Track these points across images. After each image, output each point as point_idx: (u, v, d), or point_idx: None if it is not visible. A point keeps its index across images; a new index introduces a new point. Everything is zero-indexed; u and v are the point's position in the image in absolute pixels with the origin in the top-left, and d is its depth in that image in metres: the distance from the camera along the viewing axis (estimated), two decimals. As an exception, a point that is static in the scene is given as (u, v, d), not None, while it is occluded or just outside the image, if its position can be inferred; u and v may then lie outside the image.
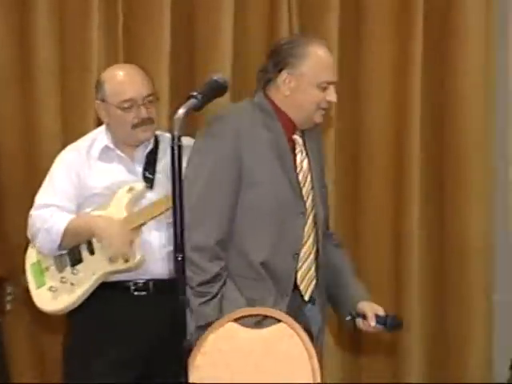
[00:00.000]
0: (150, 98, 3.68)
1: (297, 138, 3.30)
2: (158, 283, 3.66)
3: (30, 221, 3.72)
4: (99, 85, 3.73)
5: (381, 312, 3.36)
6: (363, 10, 4.71)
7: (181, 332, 2.54)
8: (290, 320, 3.41)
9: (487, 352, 4.60)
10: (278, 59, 3.26)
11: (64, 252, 3.69)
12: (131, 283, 3.67)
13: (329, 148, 4.55)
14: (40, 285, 3.75)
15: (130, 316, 3.68)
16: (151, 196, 3.70)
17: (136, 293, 3.68)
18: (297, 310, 3.27)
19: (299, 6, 4.71)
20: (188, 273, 3.07)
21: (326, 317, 3.46)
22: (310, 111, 3.26)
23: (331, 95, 3.25)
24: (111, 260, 3.60)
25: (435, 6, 4.65)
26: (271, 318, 3.20)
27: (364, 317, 3.37)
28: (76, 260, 3.69)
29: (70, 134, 4.40)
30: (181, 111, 2.39)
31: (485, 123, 4.61)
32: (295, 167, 3.27)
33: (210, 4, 4.75)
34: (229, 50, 4.68)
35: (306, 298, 3.29)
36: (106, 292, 3.66)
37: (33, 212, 3.72)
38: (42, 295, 3.74)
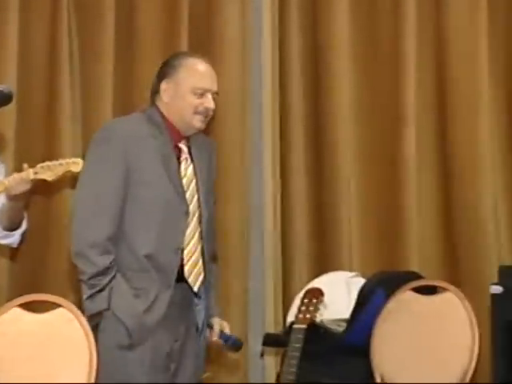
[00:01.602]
0: None
1: (182, 146, 3.32)
2: None
3: None
4: None
5: (227, 330, 3.45)
6: (136, 8, 4.66)
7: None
8: (70, 305, 3.44)
9: (243, 332, 4.60)
10: (160, 73, 3.32)
11: None
12: None
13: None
14: None
15: None
16: None
17: None
18: (185, 302, 3.30)
19: (77, 5, 4.61)
20: (80, 266, 3.19)
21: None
22: (188, 116, 3.26)
23: (209, 102, 3.26)
24: None
25: (198, 8, 4.65)
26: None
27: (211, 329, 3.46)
28: None
29: None
30: None
31: (241, 125, 4.64)
32: (179, 173, 3.30)
33: None
34: (14, 51, 4.53)
35: (195, 289, 3.29)
36: None
37: None
38: None
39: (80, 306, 3.35)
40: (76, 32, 4.62)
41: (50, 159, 4.59)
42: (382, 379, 3.90)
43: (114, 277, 3.19)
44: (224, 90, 4.47)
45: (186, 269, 3.28)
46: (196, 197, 3.32)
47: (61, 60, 4.61)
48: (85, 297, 3.22)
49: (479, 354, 3.80)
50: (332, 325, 4.09)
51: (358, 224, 4.53)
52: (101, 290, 3.19)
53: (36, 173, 3.45)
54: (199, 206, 3.32)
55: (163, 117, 3.29)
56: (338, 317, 4.11)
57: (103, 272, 3.18)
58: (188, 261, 3.28)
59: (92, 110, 4.64)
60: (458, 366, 3.79)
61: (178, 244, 3.26)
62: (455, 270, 4.38)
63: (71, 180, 3.92)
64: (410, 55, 4.46)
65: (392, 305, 4.00)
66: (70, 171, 3.51)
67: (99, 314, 3.21)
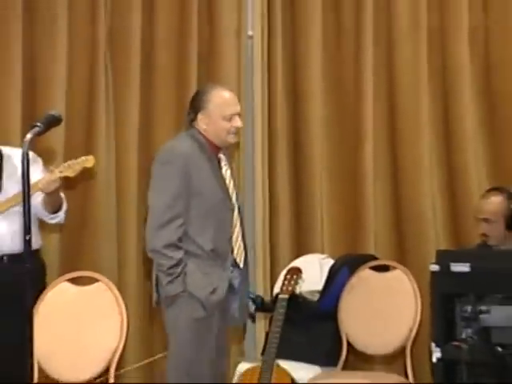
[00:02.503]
0: None
1: (221, 156, 3.30)
2: (11, 256, 3.52)
3: None
4: None
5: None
6: (157, 49, 4.55)
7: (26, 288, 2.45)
8: (106, 280, 3.46)
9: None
10: (194, 106, 3.26)
11: None
12: None
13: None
14: None
15: None
16: (0, 197, 3.54)
17: None
18: (235, 276, 3.26)
19: (111, 44, 4.55)
20: (160, 261, 3.14)
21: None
22: (224, 136, 3.23)
23: (237, 122, 3.23)
24: None
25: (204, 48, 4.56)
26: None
27: None
28: None
29: None
30: (28, 136, 2.32)
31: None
32: (222, 176, 3.27)
33: (44, 42, 4.53)
34: (63, 83, 4.51)
35: (241, 265, 3.26)
36: None
37: None
38: None
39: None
40: (110, 66, 4.58)
41: (89, 170, 4.54)
42: (347, 338, 3.92)
43: (185, 265, 3.15)
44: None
45: (235, 251, 3.25)
46: (234, 193, 3.29)
47: (98, 89, 4.58)
48: (164, 283, 3.16)
49: (421, 318, 3.83)
50: (308, 295, 4.07)
51: (328, 219, 4.47)
52: (177, 277, 3.14)
53: (61, 171, 3.42)
54: (237, 200, 3.29)
55: (203, 136, 3.24)
56: (313, 289, 4.08)
57: (178, 263, 3.13)
58: (235, 245, 3.25)
59: (122, 129, 4.60)
60: (405, 328, 3.83)
61: (229, 234, 3.23)
62: (403, 253, 4.34)
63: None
64: (368, 89, 4.41)
65: (354, 280, 4.02)
66: (85, 167, 3.50)
67: (174, 296, 3.16)
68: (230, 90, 3.32)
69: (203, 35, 4.54)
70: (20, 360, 2.31)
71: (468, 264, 3.43)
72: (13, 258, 3.49)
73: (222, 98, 3.25)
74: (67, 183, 3.74)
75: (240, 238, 3.27)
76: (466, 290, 3.36)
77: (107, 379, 3.33)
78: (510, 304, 2.76)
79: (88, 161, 3.49)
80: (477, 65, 4.25)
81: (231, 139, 3.26)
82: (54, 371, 3.37)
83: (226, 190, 3.25)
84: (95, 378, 3.47)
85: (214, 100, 3.23)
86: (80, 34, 4.57)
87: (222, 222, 3.21)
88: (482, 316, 2.58)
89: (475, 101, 4.26)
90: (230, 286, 3.24)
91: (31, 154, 3.63)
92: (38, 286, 3.52)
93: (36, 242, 3.63)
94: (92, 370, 3.35)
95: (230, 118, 3.23)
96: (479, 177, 4.24)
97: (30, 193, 3.34)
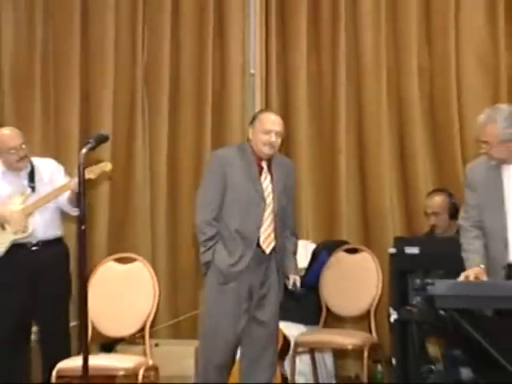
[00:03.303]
0: (23, 145, 3.51)
1: (263, 164, 3.21)
2: (45, 242, 3.53)
3: None
4: None
5: (297, 282, 3.30)
6: (181, 85, 4.56)
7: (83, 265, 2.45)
8: (143, 259, 3.47)
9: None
10: (250, 123, 3.27)
11: None
12: (29, 243, 3.51)
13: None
14: None
15: (29, 260, 3.51)
16: (34, 196, 3.53)
17: (32, 248, 3.51)
18: (259, 259, 3.17)
19: (147, 81, 4.57)
20: (198, 234, 3.16)
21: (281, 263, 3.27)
22: (260, 146, 3.17)
23: (271, 137, 3.16)
24: (14, 233, 3.48)
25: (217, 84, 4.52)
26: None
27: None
28: None
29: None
30: (83, 151, 2.30)
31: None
32: (259, 179, 3.20)
33: (97, 78, 4.53)
34: (110, 109, 4.52)
35: (267, 252, 3.17)
36: (14, 248, 3.51)
37: None
38: None
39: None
40: (146, 97, 4.60)
41: (130, 175, 4.54)
42: (326, 304, 3.93)
43: (217, 241, 3.14)
44: (231, 137, 4.47)
45: (261, 240, 3.17)
46: (271, 195, 3.20)
47: (136, 113, 4.60)
48: (200, 252, 3.18)
49: (382, 289, 3.83)
50: (296, 271, 4.04)
51: (312, 213, 4.46)
52: (209, 249, 3.14)
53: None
54: (273, 200, 3.20)
55: (251, 147, 3.22)
56: (300, 267, 3.99)
57: (211, 238, 3.13)
58: (263, 234, 3.17)
59: (155, 144, 4.60)
60: (370, 296, 3.83)
61: (257, 224, 3.16)
62: (368, 239, 4.32)
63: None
64: (341, 115, 4.38)
65: (331, 260, 4.02)
66: (104, 171, 3.46)
67: (208, 263, 3.15)
68: (276, 114, 3.29)
69: (216, 73, 4.54)
70: (78, 320, 2.33)
71: (418, 248, 3.46)
72: (46, 243, 3.52)
73: (266, 117, 3.22)
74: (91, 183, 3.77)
75: (270, 230, 3.18)
76: (416, 268, 3.38)
77: (143, 335, 3.35)
78: (450, 278, 2.78)
79: (107, 165, 3.45)
80: (424, 97, 4.28)
81: (266, 150, 3.18)
82: (104, 328, 3.40)
83: (259, 190, 3.17)
84: (135, 334, 3.49)
85: (261, 118, 3.23)
86: (123, 73, 4.60)
87: (249, 212, 3.15)
88: (428, 287, 2.60)
89: (423, 123, 4.28)
90: (267, 268, 3.18)
91: (55, 162, 3.65)
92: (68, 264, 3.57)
93: (60, 230, 3.62)
94: (132, 327, 3.38)
95: (268, 133, 3.16)
96: (426, 180, 4.25)
97: (61, 192, 3.43)
